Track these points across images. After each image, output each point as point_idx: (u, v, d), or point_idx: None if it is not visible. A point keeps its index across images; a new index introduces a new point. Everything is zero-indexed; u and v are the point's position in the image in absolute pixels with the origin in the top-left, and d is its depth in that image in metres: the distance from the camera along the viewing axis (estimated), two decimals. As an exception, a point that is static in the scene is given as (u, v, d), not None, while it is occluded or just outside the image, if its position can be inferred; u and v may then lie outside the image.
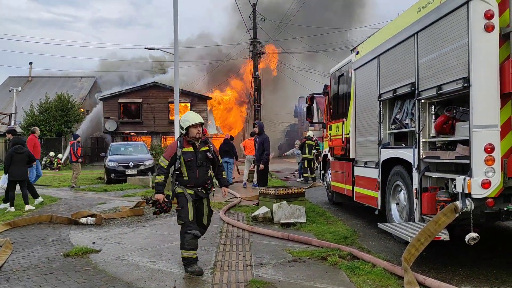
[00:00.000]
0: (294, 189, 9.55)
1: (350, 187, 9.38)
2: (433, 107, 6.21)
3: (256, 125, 12.10)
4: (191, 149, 5.73)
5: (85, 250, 6.52)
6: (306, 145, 18.84)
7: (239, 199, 12.10)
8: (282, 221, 8.45)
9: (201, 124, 5.81)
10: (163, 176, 5.69)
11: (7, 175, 10.62)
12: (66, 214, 9.67)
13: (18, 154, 10.74)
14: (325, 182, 12.46)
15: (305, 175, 18.87)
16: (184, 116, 5.86)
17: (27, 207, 10.73)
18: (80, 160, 17.33)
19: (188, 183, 5.71)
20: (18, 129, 35.24)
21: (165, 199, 5.75)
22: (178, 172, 5.72)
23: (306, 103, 12.91)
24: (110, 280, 5.20)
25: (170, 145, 5.88)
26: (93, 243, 7.12)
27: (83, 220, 8.83)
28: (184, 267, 5.54)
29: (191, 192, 5.70)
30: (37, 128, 15.43)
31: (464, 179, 5.03)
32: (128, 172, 18.53)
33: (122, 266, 5.80)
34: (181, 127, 5.79)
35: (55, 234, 7.94)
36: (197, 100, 36.75)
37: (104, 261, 6.02)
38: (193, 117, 5.81)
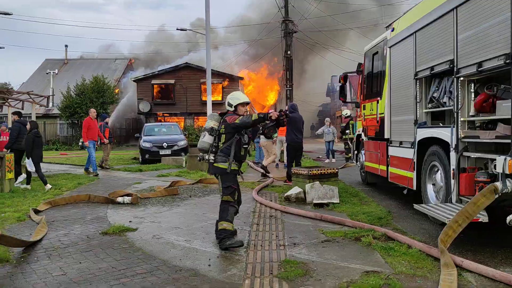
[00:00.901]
0: (327, 169, 9.49)
1: (384, 168, 9.25)
2: (472, 85, 6.00)
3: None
4: None
5: (122, 229, 6.69)
6: (350, 125, 18.61)
7: (272, 179, 12.14)
8: (315, 201, 8.42)
9: (248, 104, 6.13)
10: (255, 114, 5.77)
11: (30, 159, 11.02)
12: (103, 194, 9.94)
13: (38, 137, 11.30)
14: (358, 162, 12.33)
15: (349, 155, 18.72)
16: (234, 94, 6.18)
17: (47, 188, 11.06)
18: (109, 141, 17.35)
19: (242, 159, 5.93)
20: (56, 111, 36.37)
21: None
22: (236, 148, 5.82)
23: (339, 82, 12.74)
24: (147, 257, 5.32)
25: (231, 115, 5.90)
26: (130, 221, 7.29)
27: (120, 199, 9.05)
28: (221, 241, 5.61)
29: (238, 168, 5.96)
30: (92, 109, 15.51)
31: (505, 159, 4.86)
32: (162, 152, 18.85)
33: (158, 244, 5.93)
34: (230, 105, 6.00)
35: (93, 212, 8.18)
36: (229, 81, 36.75)
37: (141, 239, 6.16)
38: (243, 96, 6.15)
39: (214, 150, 5.90)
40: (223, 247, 5.58)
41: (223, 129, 5.86)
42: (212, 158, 5.88)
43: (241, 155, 5.88)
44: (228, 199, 5.80)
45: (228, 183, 5.80)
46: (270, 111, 5.99)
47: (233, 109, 5.98)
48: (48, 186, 10.99)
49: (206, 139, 5.94)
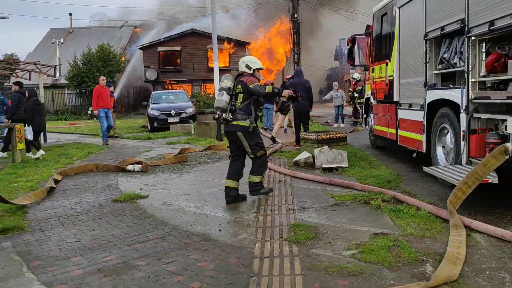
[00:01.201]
0: (336, 133, 9.46)
1: (393, 131, 9.20)
2: (484, 44, 5.87)
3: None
4: None
5: (134, 196, 6.78)
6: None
7: (280, 145, 12.15)
8: (324, 165, 8.43)
9: (262, 69, 6.60)
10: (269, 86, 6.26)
11: (30, 127, 11.09)
12: (113, 162, 10.03)
13: (38, 105, 11.44)
14: (367, 126, 12.27)
15: (358, 119, 18.56)
16: (252, 58, 6.59)
17: (38, 154, 11.30)
18: (114, 110, 17.31)
19: (257, 118, 6.46)
20: (63, 81, 36.33)
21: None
22: (254, 107, 6.26)
23: (348, 45, 12.53)
24: (158, 223, 5.41)
25: (248, 77, 6.25)
26: (140, 189, 7.38)
27: (130, 167, 9.13)
28: (255, 192, 6.36)
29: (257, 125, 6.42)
30: (101, 77, 15.37)
31: (516, 119, 4.80)
32: (170, 120, 18.88)
33: (169, 210, 6.01)
34: (248, 67, 6.37)
35: (104, 181, 8.28)
36: (236, 46, 36.29)
37: (152, 206, 6.25)
38: (259, 62, 6.52)
39: (233, 108, 6.13)
40: (255, 194, 6.38)
41: (240, 89, 6.20)
42: (231, 116, 6.13)
43: (256, 115, 6.31)
44: (262, 153, 6.30)
45: (254, 139, 6.20)
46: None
47: (251, 72, 6.35)
48: (41, 151, 11.22)
49: (224, 98, 6.18)
